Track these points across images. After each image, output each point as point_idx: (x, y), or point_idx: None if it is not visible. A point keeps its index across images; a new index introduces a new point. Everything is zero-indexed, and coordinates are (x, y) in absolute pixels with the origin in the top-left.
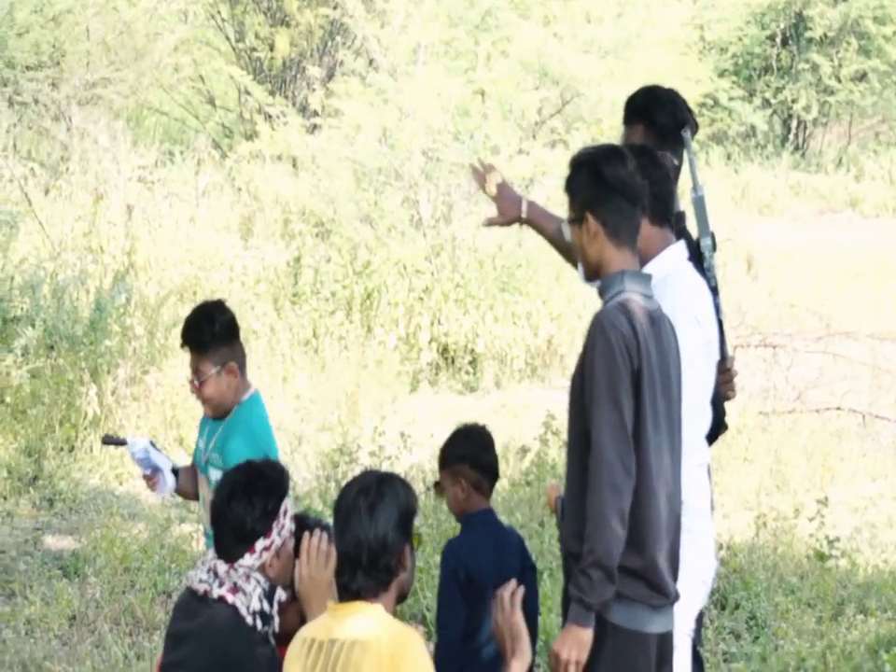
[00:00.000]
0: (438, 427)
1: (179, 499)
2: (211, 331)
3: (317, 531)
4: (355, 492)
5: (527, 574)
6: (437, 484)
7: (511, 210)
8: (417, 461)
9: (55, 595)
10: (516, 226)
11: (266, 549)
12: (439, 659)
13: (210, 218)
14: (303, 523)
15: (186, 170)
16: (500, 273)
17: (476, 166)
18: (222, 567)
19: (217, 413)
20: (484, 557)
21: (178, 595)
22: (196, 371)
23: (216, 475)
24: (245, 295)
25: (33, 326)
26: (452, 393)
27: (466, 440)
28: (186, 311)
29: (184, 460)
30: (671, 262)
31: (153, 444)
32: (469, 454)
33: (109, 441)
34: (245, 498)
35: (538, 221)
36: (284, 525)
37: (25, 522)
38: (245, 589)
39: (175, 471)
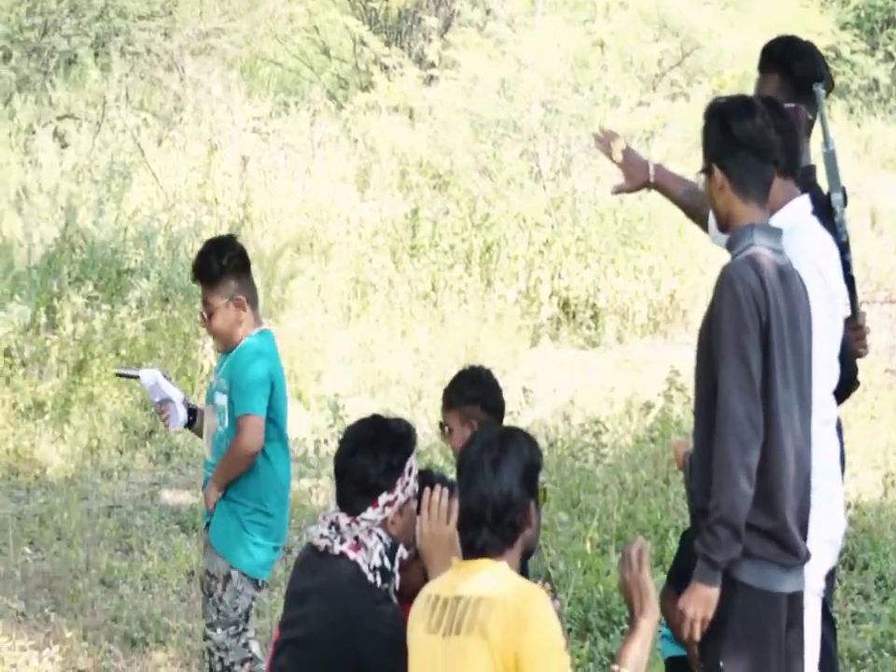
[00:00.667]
0: (559, 383)
1: (299, 453)
2: (219, 264)
3: (438, 486)
4: (478, 447)
5: None
6: (442, 426)
7: (638, 175)
8: (539, 416)
9: (173, 549)
10: None
11: (389, 504)
12: None
13: (326, 170)
14: (426, 478)
15: (301, 121)
16: (621, 226)
17: (598, 134)
18: (344, 519)
19: (227, 347)
20: None
21: (299, 552)
22: (205, 303)
23: (221, 399)
24: (363, 247)
25: (147, 278)
26: (573, 348)
27: (475, 381)
28: (303, 263)
29: (300, 416)
30: (795, 215)
31: (165, 377)
32: (481, 395)
33: (122, 374)
34: (371, 451)
35: (665, 184)
36: (408, 482)
37: (142, 476)
38: (366, 544)
39: (193, 410)
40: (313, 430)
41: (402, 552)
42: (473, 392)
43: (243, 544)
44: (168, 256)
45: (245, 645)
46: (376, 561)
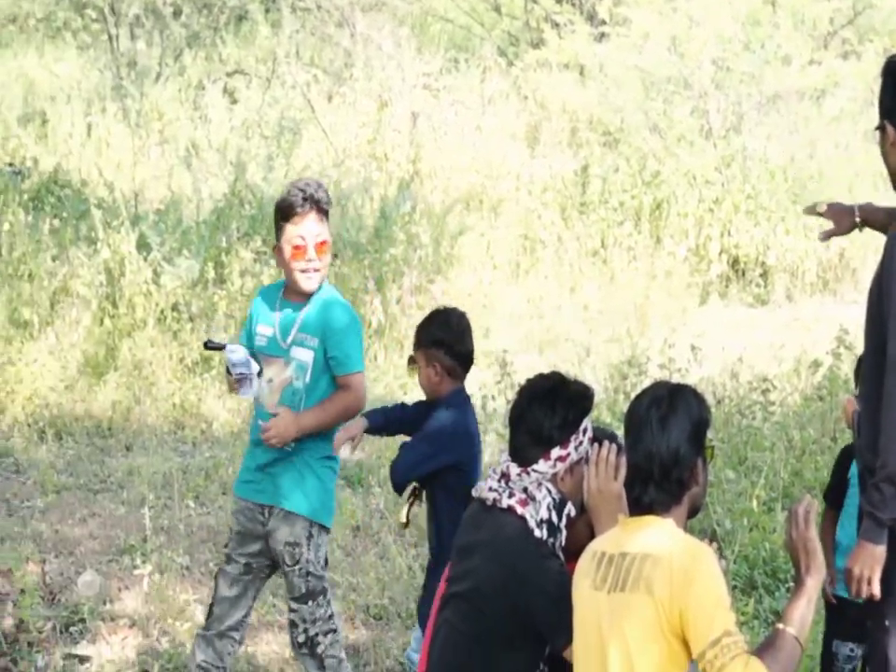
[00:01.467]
0: (728, 341)
1: None
2: (329, 197)
3: (606, 443)
4: (647, 403)
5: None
6: (411, 359)
7: (844, 220)
8: (707, 374)
9: (339, 505)
10: (807, 137)
11: (561, 459)
12: None
13: (496, 126)
14: (594, 435)
15: (471, 77)
16: (792, 184)
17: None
18: (514, 469)
19: (315, 288)
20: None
21: (467, 507)
22: (318, 233)
23: (305, 354)
24: (532, 204)
25: None
26: (742, 306)
27: (444, 325)
28: (472, 220)
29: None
30: None
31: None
32: (447, 340)
33: (211, 345)
34: (548, 404)
35: (873, 220)
36: (581, 441)
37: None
38: (535, 496)
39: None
40: (480, 386)
41: (570, 508)
42: (439, 335)
43: (318, 496)
44: (337, 212)
45: (331, 617)
46: (543, 514)
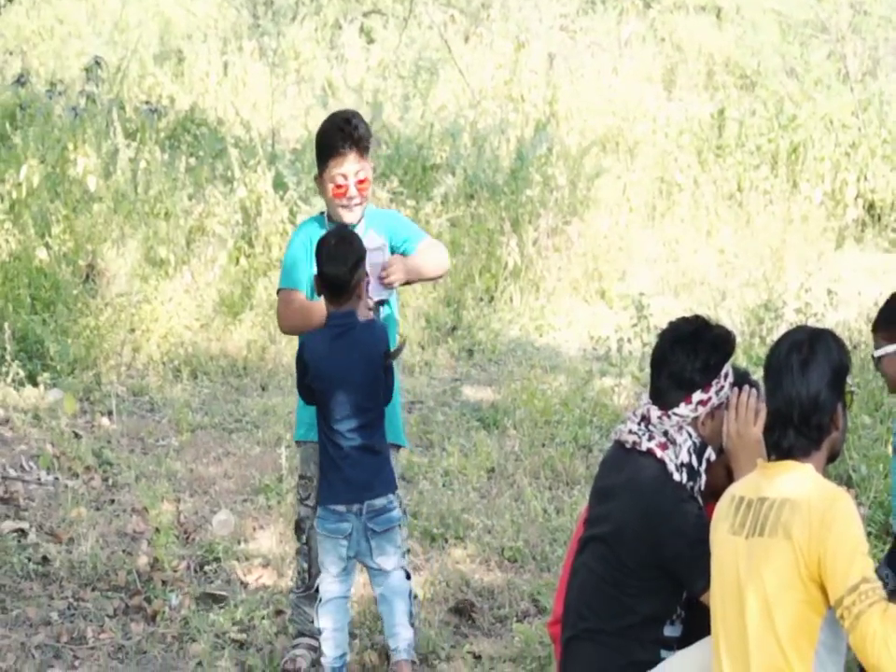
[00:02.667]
0: (864, 285)
1: (602, 352)
2: (369, 132)
3: (746, 387)
4: (786, 348)
5: None
6: None
7: None
8: (843, 319)
9: (474, 446)
10: None
11: (702, 403)
12: None
13: (632, 69)
14: (735, 379)
15: (608, 19)
16: None
17: None
18: (655, 412)
19: (358, 218)
20: None
21: (606, 450)
22: (359, 170)
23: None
24: (668, 146)
25: (453, 174)
26: (878, 251)
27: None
28: (608, 162)
29: (604, 313)
30: None
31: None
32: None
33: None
34: (690, 347)
35: None
36: (723, 386)
37: (444, 372)
38: (675, 439)
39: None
40: (616, 329)
41: (710, 453)
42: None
43: (394, 416)
44: (474, 152)
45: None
46: (684, 457)
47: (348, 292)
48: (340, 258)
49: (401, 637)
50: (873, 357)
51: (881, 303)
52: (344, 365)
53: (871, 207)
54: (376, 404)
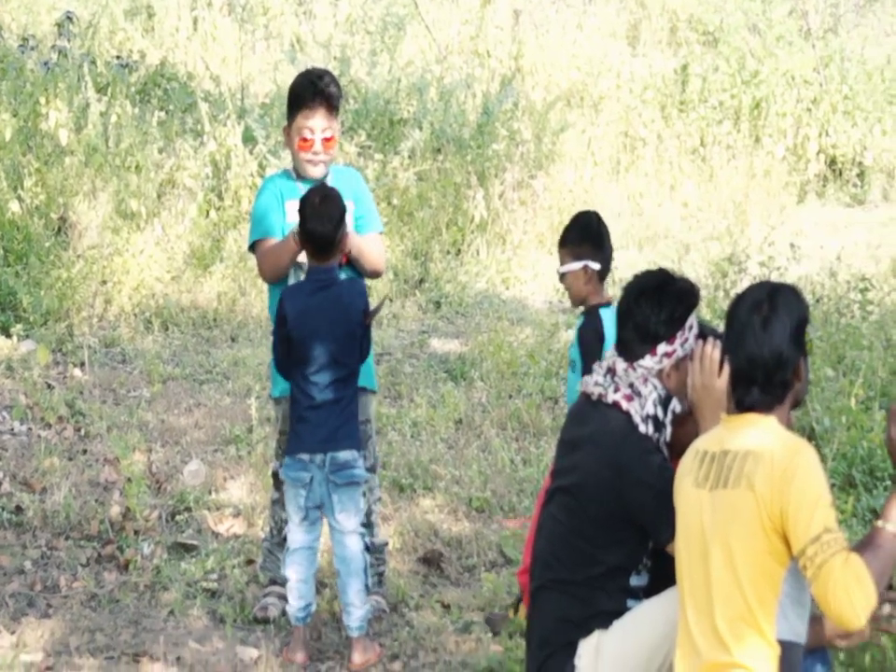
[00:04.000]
0: (826, 239)
1: (568, 304)
2: (340, 91)
3: (710, 339)
4: (747, 307)
5: None
6: None
7: None
8: (805, 272)
9: (441, 398)
10: None
11: (667, 355)
12: None
13: (597, 25)
14: (699, 332)
15: None
16: (889, 85)
17: None
18: (621, 364)
19: (322, 174)
20: None
21: (573, 402)
22: (326, 128)
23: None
24: (632, 102)
25: (420, 128)
26: (839, 205)
27: None
28: (573, 117)
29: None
30: None
31: None
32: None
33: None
34: (654, 300)
35: None
36: (687, 338)
37: (411, 324)
38: (641, 391)
39: None
40: None
41: (675, 404)
42: None
43: (366, 362)
44: (440, 107)
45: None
46: (649, 409)
47: (333, 248)
48: (325, 215)
49: (354, 616)
50: (558, 272)
51: (842, 257)
52: (324, 318)
53: (832, 162)
54: (352, 360)
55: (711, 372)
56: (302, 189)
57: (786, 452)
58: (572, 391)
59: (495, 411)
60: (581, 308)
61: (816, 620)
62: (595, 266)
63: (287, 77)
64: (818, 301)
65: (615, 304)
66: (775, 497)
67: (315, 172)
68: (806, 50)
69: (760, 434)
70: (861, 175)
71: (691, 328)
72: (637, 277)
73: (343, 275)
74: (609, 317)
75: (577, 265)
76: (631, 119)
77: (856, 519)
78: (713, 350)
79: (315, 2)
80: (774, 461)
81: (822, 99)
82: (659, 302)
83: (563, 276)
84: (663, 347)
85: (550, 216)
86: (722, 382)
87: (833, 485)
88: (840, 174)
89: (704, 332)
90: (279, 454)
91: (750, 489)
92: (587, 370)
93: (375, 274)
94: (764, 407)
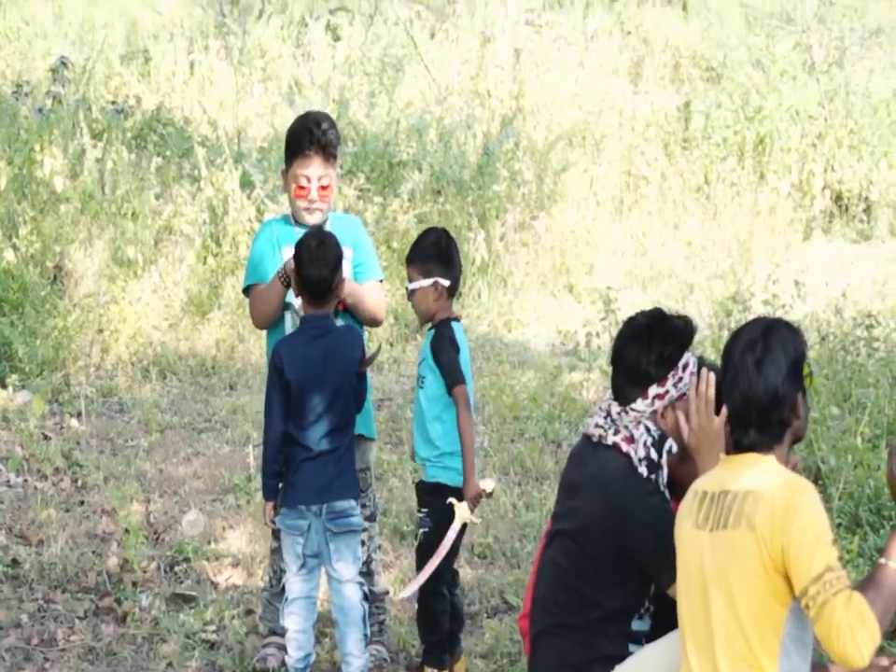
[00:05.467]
0: (832, 276)
1: (570, 346)
2: (338, 138)
3: (704, 377)
4: (742, 346)
5: None
6: None
7: None
8: (811, 310)
9: None
10: None
11: (659, 396)
12: None
13: (599, 62)
14: (699, 367)
15: (574, 13)
16: (895, 118)
17: None
18: (615, 408)
19: (319, 222)
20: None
21: (575, 444)
22: (323, 175)
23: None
24: (635, 140)
25: (419, 170)
26: (845, 241)
27: None
28: (575, 156)
29: (572, 308)
30: None
31: None
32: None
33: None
34: (644, 341)
35: None
36: (681, 377)
37: (412, 369)
38: (633, 435)
39: None
40: (584, 323)
41: (671, 444)
42: None
43: (365, 409)
44: (440, 148)
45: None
46: (641, 452)
47: (329, 294)
48: (321, 260)
49: (353, 666)
50: (406, 289)
51: (848, 294)
52: (320, 368)
53: (838, 198)
54: (348, 409)
55: (707, 413)
56: (300, 234)
57: (786, 491)
58: (418, 408)
59: (497, 455)
60: (429, 325)
61: (819, 668)
62: (445, 283)
63: (285, 119)
64: (823, 338)
65: (462, 321)
66: (776, 537)
67: (312, 219)
68: (811, 85)
69: (759, 474)
70: (867, 210)
71: (685, 366)
72: (629, 319)
73: (339, 322)
74: (459, 330)
75: (427, 282)
76: (633, 158)
77: (862, 559)
78: (707, 389)
79: (313, 44)
80: (774, 500)
81: (827, 134)
82: (648, 344)
83: (412, 293)
84: (654, 389)
85: (552, 257)
86: (719, 421)
87: (839, 525)
88: (846, 209)
89: (702, 368)
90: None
91: (751, 529)
92: (450, 376)
93: (374, 322)
94: (763, 447)
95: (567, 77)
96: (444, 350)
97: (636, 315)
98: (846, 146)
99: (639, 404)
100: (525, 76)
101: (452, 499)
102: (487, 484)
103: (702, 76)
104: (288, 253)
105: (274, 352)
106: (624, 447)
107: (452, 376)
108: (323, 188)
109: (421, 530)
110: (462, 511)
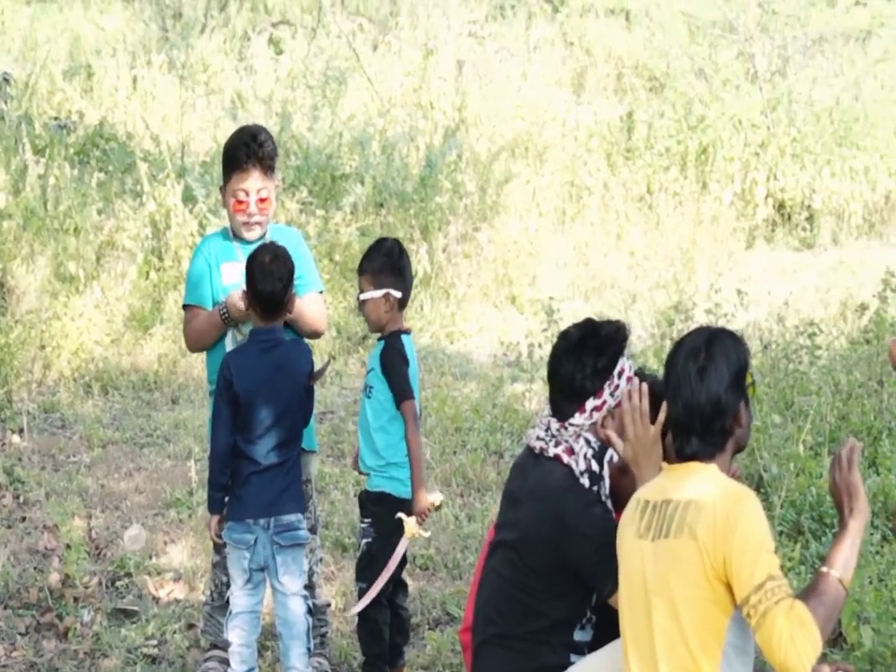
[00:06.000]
0: (774, 285)
1: (513, 357)
2: (275, 151)
3: (636, 388)
4: (684, 355)
5: None
6: None
7: None
8: (754, 319)
9: None
10: (852, 78)
11: (597, 409)
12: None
13: (542, 73)
14: (639, 379)
15: (517, 25)
16: (837, 127)
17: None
18: (554, 424)
19: (257, 237)
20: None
21: (517, 455)
22: (261, 188)
23: None
24: (578, 150)
25: (362, 183)
26: (788, 250)
27: None
28: (518, 167)
29: (514, 319)
30: None
31: None
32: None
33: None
34: (576, 356)
35: None
36: (617, 385)
37: (355, 382)
38: (573, 448)
39: None
40: (527, 334)
41: (612, 454)
42: None
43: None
44: (383, 161)
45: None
46: (582, 465)
47: (281, 308)
48: (274, 274)
49: None
50: (357, 299)
51: (791, 302)
52: (269, 380)
53: (781, 206)
54: (296, 423)
55: (642, 424)
56: (239, 249)
57: (728, 500)
58: (363, 418)
59: (439, 467)
60: (378, 335)
61: None
62: (397, 294)
63: (228, 133)
64: (765, 347)
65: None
66: (718, 546)
67: (251, 234)
68: (753, 94)
69: (701, 483)
70: (809, 218)
71: (620, 373)
72: (562, 334)
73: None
74: (408, 342)
75: (378, 293)
76: (576, 168)
77: (804, 566)
78: (641, 400)
79: (255, 58)
80: (716, 509)
81: (770, 142)
82: (580, 359)
83: (363, 303)
84: (591, 403)
85: (494, 268)
86: (655, 430)
87: (781, 533)
88: (789, 218)
89: (634, 379)
90: None
91: (693, 538)
92: (398, 390)
93: (315, 335)
94: (705, 455)
95: (510, 88)
96: (394, 364)
97: (568, 329)
98: (788, 154)
99: (578, 419)
100: (468, 87)
101: (401, 514)
102: (436, 497)
103: (645, 85)
104: (227, 270)
105: (223, 364)
106: (565, 458)
107: (401, 391)
108: (262, 200)
109: (364, 540)
110: (411, 525)
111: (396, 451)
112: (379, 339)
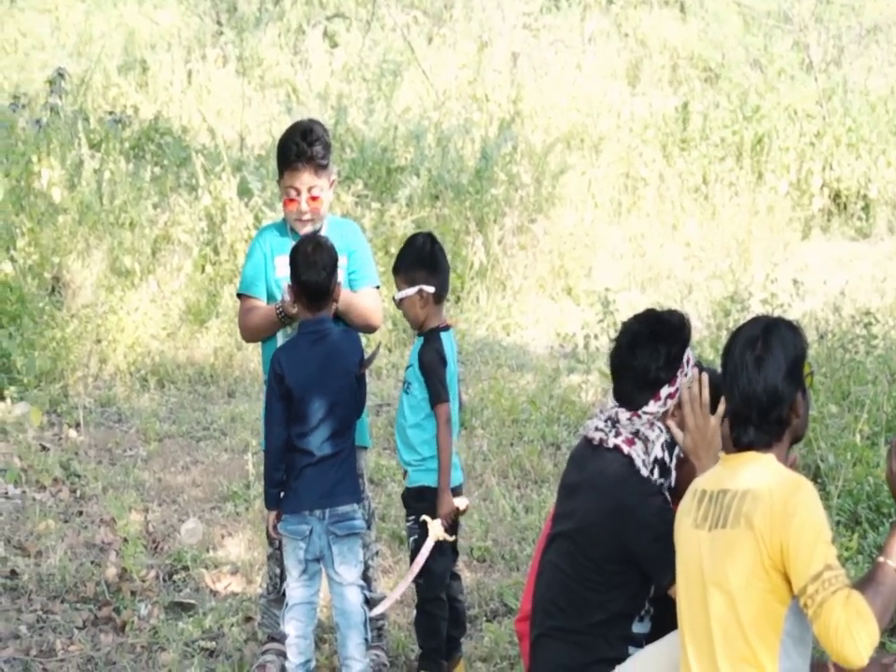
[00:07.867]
0: (830, 275)
1: (569, 349)
2: (326, 148)
3: (696, 378)
4: (741, 344)
5: None
6: None
7: None
8: (810, 308)
9: None
10: None
11: (671, 396)
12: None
13: (596, 65)
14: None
15: (572, 16)
16: (893, 116)
17: None
18: (624, 415)
19: (311, 231)
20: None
21: (574, 446)
22: (312, 186)
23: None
24: (633, 141)
25: (417, 175)
26: (844, 239)
27: None
28: (573, 159)
29: (570, 310)
30: None
31: None
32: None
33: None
34: (649, 346)
35: None
36: (687, 373)
37: None
38: (648, 436)
39: None
40: (583, 326)
41: (678, 449)
42: None
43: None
44: (438, 153)
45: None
46: (658, 452)
47: (327, 298)
48: (318, 264)
49: (354, 670)
50: (394, 299)
51: (847, 292)
52: (320, 372)
53: (836, 196)
54: (348, 413)
55: (703, 414)
56: (292, 243)
57: (785, 489)
58: (401, 414)
59: (496, 459)
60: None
61: (820, 667)
62: (430, 289)
63: (284, 127)
64: (821, 337)
65: (453, 329)
66: (775, 535)
67: (303, 230)
68: (809, 84)
69: (758, 472)
70: (865, 208)
71: (688, 361)
72: (625, 326)
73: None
74: (448, 340)
75: (411, 290)
76: (632, 160)
77: (862, 556)
78: (702, 390)
79: (310, 51)
80: (773, 499)
81: (825, 132)
82: (655, 349)
83: (400, 302)
84: (665, 390)
85: (550, 259)
86: (715, 421)
87: (838, 523)
88: (845, 207)
89: (695, 370)
90: None
91: (750, 528)
92: (434, 392)
93: (369, 329)
94: (762, 445)
95: (565, 80)
96: (431, 364)
97: (629, 322)
98: (844, 144)
99: (652, 406)
100: (523, 79)
101: (426, 517)
102: (461, 502)
103: (700, 76)
104: (281, 263)
105: (274, 359)
106: (626, 449)
107: (436, 393)
108: (313, 198)
109: (411, 538)
110: (436, 528)
111: (432, 446)
112: (418, 335)
